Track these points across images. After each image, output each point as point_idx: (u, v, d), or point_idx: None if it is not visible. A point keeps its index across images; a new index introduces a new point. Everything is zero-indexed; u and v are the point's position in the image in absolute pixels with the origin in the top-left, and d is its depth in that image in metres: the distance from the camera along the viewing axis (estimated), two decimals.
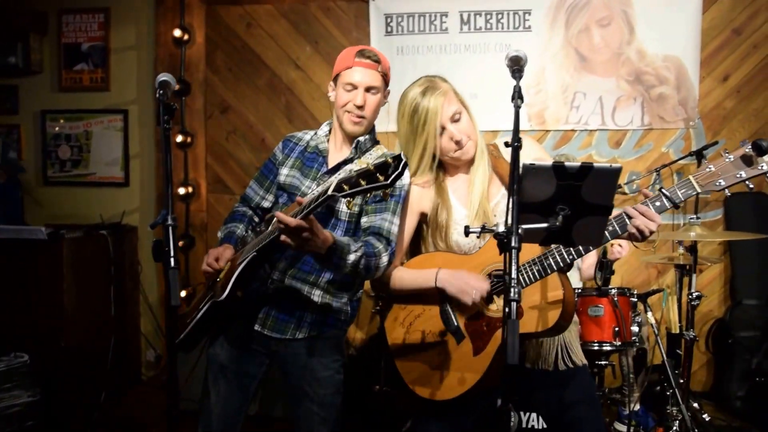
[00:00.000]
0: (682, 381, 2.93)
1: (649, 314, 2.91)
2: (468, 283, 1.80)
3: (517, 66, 1.61)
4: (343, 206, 1.98)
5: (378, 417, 3.12)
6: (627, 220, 1.68)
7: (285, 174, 2.08)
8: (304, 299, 1.98)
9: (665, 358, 2.84)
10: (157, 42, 4.14)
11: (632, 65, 3.74)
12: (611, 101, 3.78)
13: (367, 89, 1.99)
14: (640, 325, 2.77)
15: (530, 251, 1.73)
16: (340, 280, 2.00)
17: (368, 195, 1.94)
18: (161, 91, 1.73)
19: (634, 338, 2.68)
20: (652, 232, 1.67)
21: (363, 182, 1.58)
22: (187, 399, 3.04)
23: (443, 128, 1.89)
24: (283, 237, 1.70)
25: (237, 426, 2.06)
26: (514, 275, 1.38)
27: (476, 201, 1.91)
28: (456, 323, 1.86)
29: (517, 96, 1.56)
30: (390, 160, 1.56)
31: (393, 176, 1.56)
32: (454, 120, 1.89)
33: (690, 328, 2.88)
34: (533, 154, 1.87)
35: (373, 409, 3.15)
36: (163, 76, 1.77)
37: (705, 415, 3.13)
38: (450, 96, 1.91)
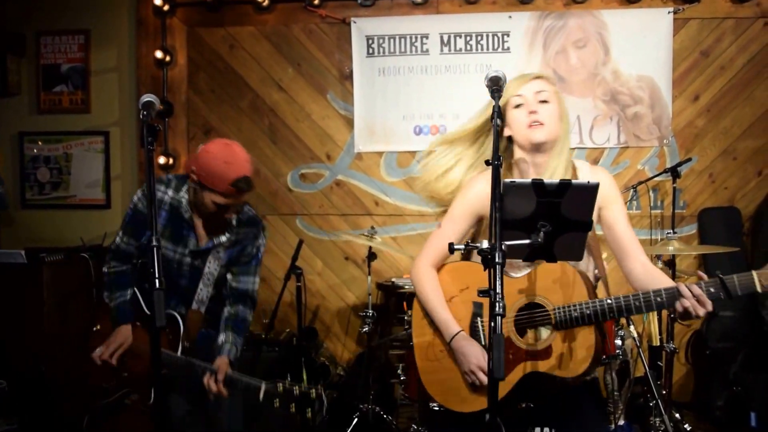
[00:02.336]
0: (664, 392, 2.99)
1: (632, 327, 2.97)
2: (473, 367, 1.76)
3: (496, 86, 1.66)
4: (212, 268, 2.26)
5: None
6: (678, 296, 1.63)
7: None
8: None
9: (648, 369, 2.90)
10: (139, 64, 4.16)
11: (608, 85, 3.86)
12: (588, 120, 3.89)
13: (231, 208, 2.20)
14: (622, 338, 2.82)
15: (580, 294, 1.70)
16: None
17: (240, 257, 2.31)
18: (145, 112, 1.74)
19: (617, 351, 2.73)
20: (698, 317, 1.62)
21: (292, 407, 2.02)
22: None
23: (523, 99, 1.82)
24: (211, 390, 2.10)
25: None
26: (498, 290, 1.43)
27: None
28: (484, 342, 1.82)
29: (497, 115, 1.62)
30: (313, 396, 2.01)
31: (319, 410, 1.99)
32: (540, 99, 1.81)
33: (670, 341, 2.95)
34: (604, 191, 1.78)
35: (362, 428, 3.15)
36: (147, 97, 1.78)
37: (687, 425, 3.19)
38: (543, 81, 1.85)
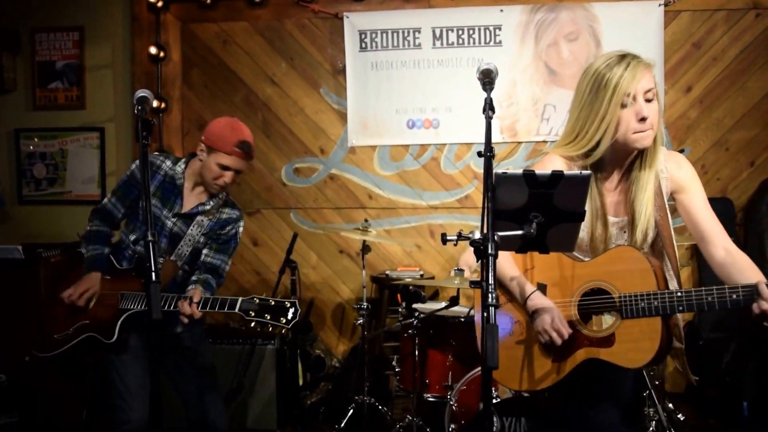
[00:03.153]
0: (657, 383, 2.99)
1: None
2: (548, 325, 1.69)
3: (488, 79, 1.64)
4: (194, 232, 2.36)
5: (362, 427, 3.12)
6: (756, 297, 1.52)
7: None
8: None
9: None
10: (133, 60, 4.12)
11: None
12: None
13: (236, 171, 2.31)
14: None
15: (649, 284, 1.63)
16: None
17: (221, 232, 2.41)
18: (140, 107, 1.76)
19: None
20: None
21: (267, 316, 2.10)
22: (169, 417, 2.99)
23: (633, 99, 1.63)
24: (185, 320, 2.15)
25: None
26: (491, 281, 1.41)
27: (642, 208, 1.70)
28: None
29: (489, 107, 1.59)
30: (288, 304, 2.11)
31: (292, 322, 2.10)
32: (647, 98, 1.64)
33: None
34: (679, 175, 1.74)
35: (357, 420, 3.14)
36: (142, 92, 1.80)
37: (680, 415, 3.20)
38: (651, 73, 1.67)
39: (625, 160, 1.74)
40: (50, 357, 2.35)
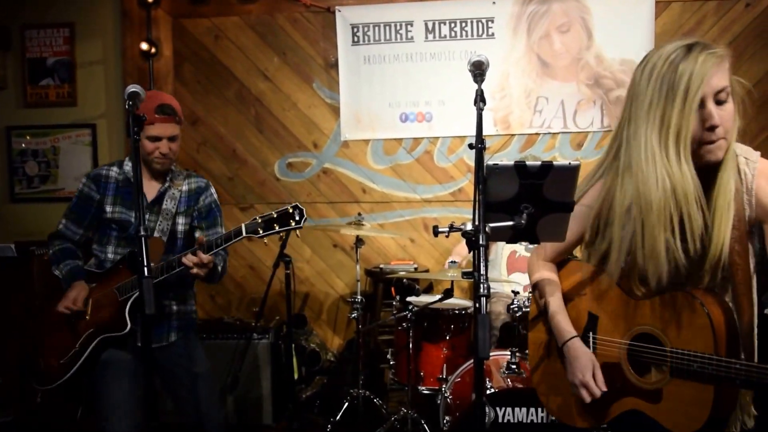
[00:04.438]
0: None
1: None
2: (577, 380, 1.54)
3: (479, 70, 1.64)
4: (180, 227, 2.36)
5: (357, 420, 3.13)
6: None
7: (111, 211, 2.33)
8: (167, 312, 2.38)
9: None
10: (124, 56, 4.10)
11: (591, 70, 3.85)
12: (572, 105, 3.88)
13: (169, 139, 2.28)
14: None
15: (704, 343, 1.38)
16: (185, 292, 2.43)
17: (200, 207, 2.41)
18: (130, 102, 1.77)
19: None
20: None
21: (276, 227, 2.11)
22: (163, 412, 3.00)
23: (702, 103, 1.34)
24: (195, 270, 2.12)
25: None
26: (483, 272, 1.42)
27: (713, 238, 1.38)
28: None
29: (480, 99, 1.60)
30: (290, 210, 2.12)
31: (303, 220, 2.13)
32: (719, 100, 1.35)
33: None
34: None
35: (352, 413, 3.15)
36: (133, 88, 1.81)
37: None
38: (724, 65, 1.35)
39: (703, 177, 1.40)
40: (64, 382, 2.26)
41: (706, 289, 1.43)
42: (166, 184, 2.37)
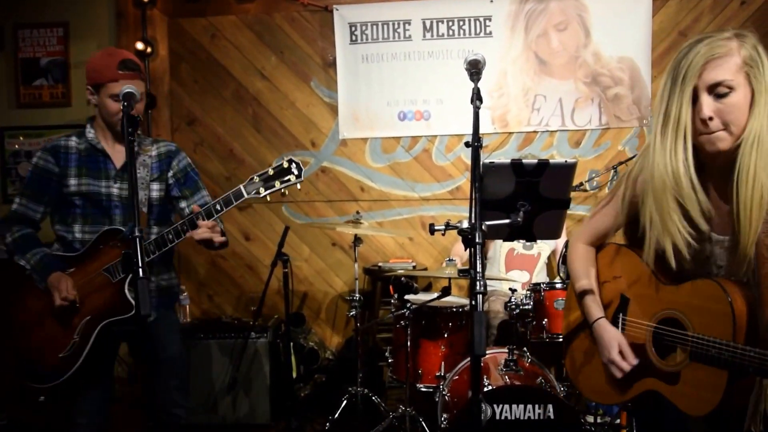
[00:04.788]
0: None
1: None
2: (605, 359, 1.65)
3: (475, 69, 1.65)
4: (155, 193, 2.28)
5: (356, 418, 3.13)
6: None
7: (76, 183, 2.21)
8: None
9: None
10: None
11: (589, 67, 3.86)
12: (570, 103, 3.88)
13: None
14: None
15: (723, 331, 1.42)
16: (166, 264, 2.34)
17: (175, 172, 2.33)
18: (125, 103, 1.77)
19: None
20: None
21: (276, 183, 2.10)
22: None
23: (695, 95, 1.40)
24: (219, 239, 2.09)
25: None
26: (479, 269, 1.43)
27: (743, 227, 1.40)
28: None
29: (476, 97, 1.60)
30: (286, 164, 2.10)
31: (302, 172, 2.11)
32: (718, 93, 1.39)
33: None
34: None
35: (351, 411, 3.16)
36: (128, 88, 1.81)
37: None
38: (729, 59, 1.38)
39: (721, 166, 1.45)
40: (72, 374, 2.14)
41: (736, 280, 1.46)
42: (135, 150, 2.24)
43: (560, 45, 3.87)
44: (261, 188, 2.09)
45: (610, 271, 1.75)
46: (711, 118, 1.39)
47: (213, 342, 3.43)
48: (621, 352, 1.63)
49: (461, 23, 3.90)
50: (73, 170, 2.21)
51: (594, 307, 1.72)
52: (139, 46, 4.00)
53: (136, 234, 1.64)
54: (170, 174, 2.33)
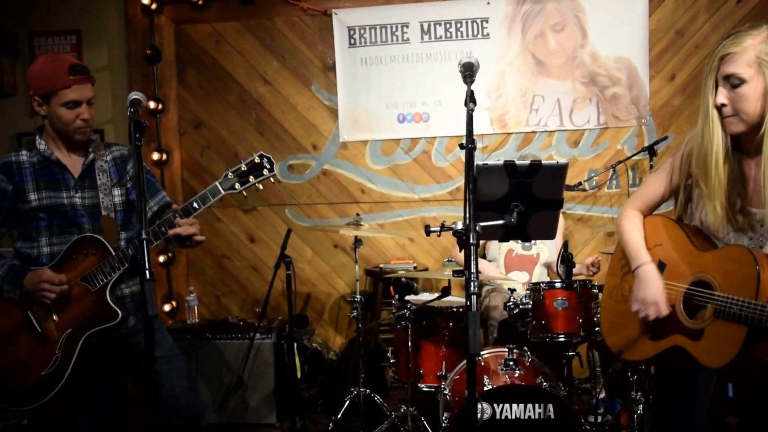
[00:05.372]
0: (642, 367, 2.99)
1: None
2: (649, 299, 1.74)
3: (468, 72, 1.65)
4: (117, 198, 2.22)
5: (358, 418, 3.13)
6: None
7: (36, 198, 2.12)
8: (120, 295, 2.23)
9: None
10: (129, 62, 4.09)
11: (586, 68, 3.83)
12: (568, 103, 3.86)
13: (88, 102, 2.12)
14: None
15: (747, 291, 1.56)
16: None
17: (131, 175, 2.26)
18: (132, 109, 1.77)
19: (597, 328, 2.73)
20: None
21: (251, 178, 2.10)
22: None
23: (716, 84, 1.60)
24: (198, 237, 2.07)
25: None
26: (473, 270, 1.42)
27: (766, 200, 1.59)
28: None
29: (469, 100, 1.59)
30: (258, 159, 2.11)
31: (274, 165, 2.13)
32: (731, 83, 1.57)
33: None
34: None
35: (354, 411, 3.15)
36: (134, 95, 1.82)
37: None
38: (744, 54, 1.54)
39: (756, 147, 1.61)
40: (57, 392, 2.05)
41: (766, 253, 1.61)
42: (90, 156, 2.19)
43: (557, 45, 3.84)
44: (236, 184, 2.09)
45: (652, 239, 1.84)
46: (724, 105, 1.58)
47: (220, 342, 3.43)
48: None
49: (458, 25, 3.89)
50: (30, 185, 2.12)
51: (642, 251, 1.81)
52: (148, 52, 4.02)
53: (143, 236, 1.65)
54: (128, 177, 2.26)
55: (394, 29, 3.92)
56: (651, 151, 3.37)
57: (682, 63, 3.82)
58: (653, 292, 1.74)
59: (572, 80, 3.85)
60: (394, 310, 3.11)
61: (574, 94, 3.85)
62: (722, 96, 1.58)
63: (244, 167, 2.10)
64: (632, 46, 3.77)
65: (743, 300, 1.55)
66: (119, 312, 2.09)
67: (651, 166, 3.37)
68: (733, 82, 1.56)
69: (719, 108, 1.59)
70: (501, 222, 1.54)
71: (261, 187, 2.15)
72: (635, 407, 2.81)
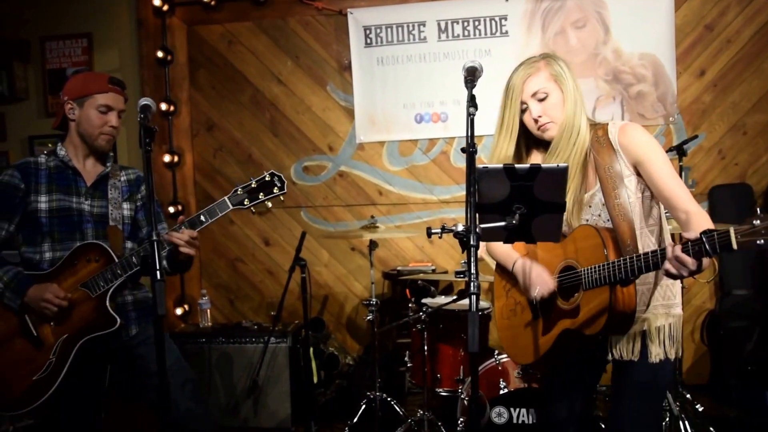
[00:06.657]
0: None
1: None
2: (534, 281, 1.96)
3: (470, 76, 1.79)
4: (126, 212, 2.41)
5: (374, 423, 3.26)
6: (660, 260, 1.67)
7: (46, 200, 2.30)
8: (122, 303, 2.37)
9: None
10: (141, 64, 4.31)
11: (609, 65, 3.93)
12: (591, 101, 3.96)
13: (119, 112, 2.34)
14: None
15: (598, 257, 1.81)
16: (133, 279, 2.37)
17: (141, 195, 2.46)
18: (142, 115, 1.90)
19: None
20: (683, 276, 1.64)
21: (261, 195, 2.25)
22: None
23: (525, 105, 1.95)
24: (187, 250, 2.19)
25: None
26: (473, 271, 1.55)
27: (571, 184, 1.93)
28: (534, 302, 2.02)
29: (471, 104, 1.73)
30: (268, 177, 2.25)
31: (285, 185, 2.26)
32: (538, 98, 1.93)
33: None
34: (632, 149, 1.90)
35: (370, 416, 3.29)
36: (144, 101, 1.94)
37: (699, 406, 3.27)
38: (539, 74, 1.94)
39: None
40: (49, 397, 2.13)
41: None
42: (107, 169, 2.39)
43: (579, 43, 3.95)
44: (246, 200, 2.23)
45: (520, 250, 2.09)
46: (540, 116, 1.93)
47: (234, 347, 3.61)
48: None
49: (476, 23, 4.02)
50: (44, 186, 2.29)
51: (513, 253, 2.08)
52: (160, 54, 4.22)
53: (154, 238, 1.77)
54: (138, 196, 2.46)
55: (410, 28, 4.07)
56: (680, 150, 3.40)
57: (713, 58, 3.89)
58: (535, 273, 1.96)
59: (595, 78, 3.95)
60: (410, 314, 3.24)
61: (597, 92, 3.95)
62: (536, 109, 1.93)
63: (254, 184, 2.24)
64: (658, 42, 3.86)
65: (597, 265, 1.80)
66: (117, 318, 2.20)
67: (681, 167, 3.42)
68: (540, 96, 1.92)
69: (535, 120, 1.93)
70: (502, 224, 1.66)
71: (270, 204, 2.29)
72: (663, 415, 2.89)
